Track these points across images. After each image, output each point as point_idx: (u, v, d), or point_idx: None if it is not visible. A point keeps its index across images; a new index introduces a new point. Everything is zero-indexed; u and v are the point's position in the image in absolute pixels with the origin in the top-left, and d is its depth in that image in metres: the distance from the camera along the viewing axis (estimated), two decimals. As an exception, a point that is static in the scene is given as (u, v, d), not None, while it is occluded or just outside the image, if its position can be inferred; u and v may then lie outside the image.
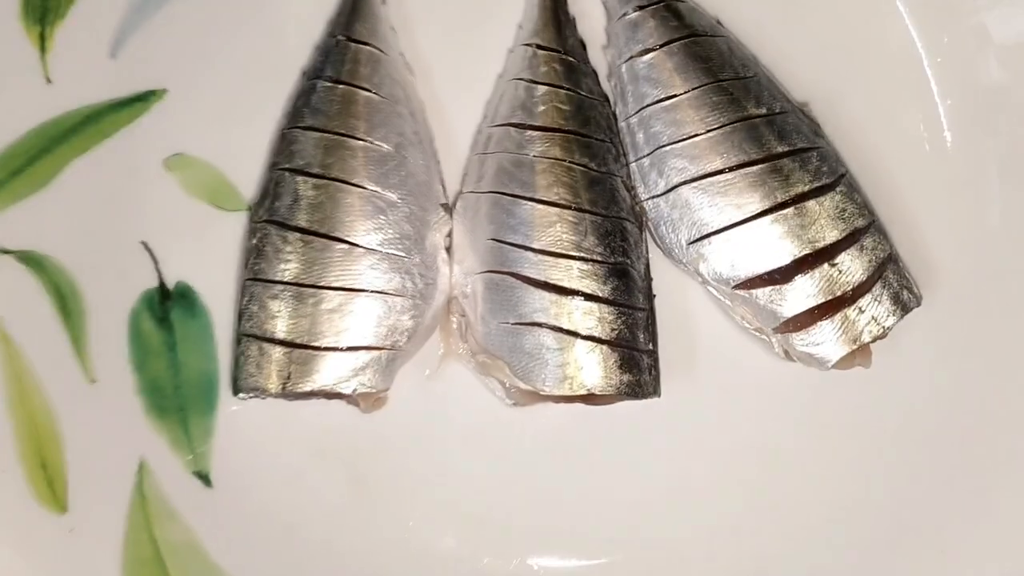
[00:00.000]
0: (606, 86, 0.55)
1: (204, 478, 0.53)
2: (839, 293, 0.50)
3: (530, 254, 0.50)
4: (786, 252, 0.50)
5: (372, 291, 0.51)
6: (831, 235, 0.50)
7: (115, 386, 0.52)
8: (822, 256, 0.50)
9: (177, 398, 0.54)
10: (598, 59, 0.55)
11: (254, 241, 0.52)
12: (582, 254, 0.50)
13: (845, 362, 0.51)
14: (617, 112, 0.54)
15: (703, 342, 0.54)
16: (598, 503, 0.54)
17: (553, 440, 0.54)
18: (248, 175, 0.54)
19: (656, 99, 0.52)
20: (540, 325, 0.50)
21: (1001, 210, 0.53)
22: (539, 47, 0.54)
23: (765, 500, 0.54)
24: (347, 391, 0.51)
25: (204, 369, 0.54)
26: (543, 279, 0.50)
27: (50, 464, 0.50)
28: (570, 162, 0.51)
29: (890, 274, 0.51)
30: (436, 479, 0.54)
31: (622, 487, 0.54)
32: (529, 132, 0.52)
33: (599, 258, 0.50)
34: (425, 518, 0.54)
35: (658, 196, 0.52)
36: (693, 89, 0.52)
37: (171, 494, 0.52)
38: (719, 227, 0.51)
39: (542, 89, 0.53)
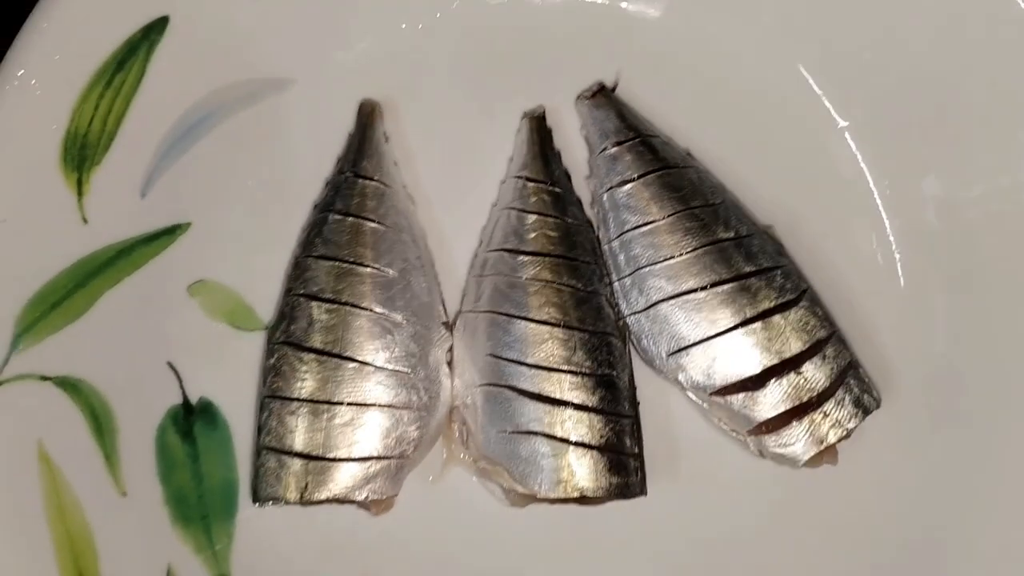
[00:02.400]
0: (590, 213, 0.59)
1: (226, 582, 0.57)
2: (805, 399, 0.54)
3: (525, 368, 0.55)
4: (756, 362, 0.55)
5: (381, 405, 0.55)
6: (796, 346, 0.55)
7: (144, 498, 0.56)
8: (789, 365, 0.55)
9: (200, 507, 0.57)
10: (582, 189, 0.59)
11: (272, 361, 0.56)
12: (572, 367, 0.54)
13: (814, 461, 0.55)
14: (600, 236, 0.58)
15: (684, 444, 0.58)
16: (593, 596, 0.58)
17: (549, 539, 0.58)
18: (264, 298, 0.58)
19: (635, 225, 0.57)
20: (535, 433, 0.54)
21: (946, 317, 0.58)
22: (528, 179, 0.58)
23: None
24: (359, 498, 0.54)
25: (225, 478, 0.58)
26: (537, 391, 0.54)
27: (86, 573, 0.53)
28: (559, 284, 0.56)
29: (851, 380, 0.55)
30: (442, 576, 0.58)
31: (615, 580, 0.58)
32: (521, 256, 0.56)
33: (587, 371, 0.55)
34: (432, 614, 0.58)
35: (639, 312, 0.57)
36: (668, 216, 0.56)
37: (196, 598, 0.56)
38: (695, 340, 0.55)
39: (532, 217, 0.57)
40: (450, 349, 0.58)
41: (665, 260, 0.56)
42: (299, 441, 0.54)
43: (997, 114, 0.55)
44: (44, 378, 0.54)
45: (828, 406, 0.55)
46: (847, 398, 0.55)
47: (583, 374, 0.55)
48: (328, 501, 0.54)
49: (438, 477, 0.58)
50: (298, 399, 0.55)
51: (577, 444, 0.54)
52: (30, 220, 0.54)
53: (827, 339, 0.55)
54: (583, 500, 0.54)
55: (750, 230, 0.57)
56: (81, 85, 0.54)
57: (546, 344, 0.55)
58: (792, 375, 0.55)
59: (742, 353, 0.55)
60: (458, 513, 0.58)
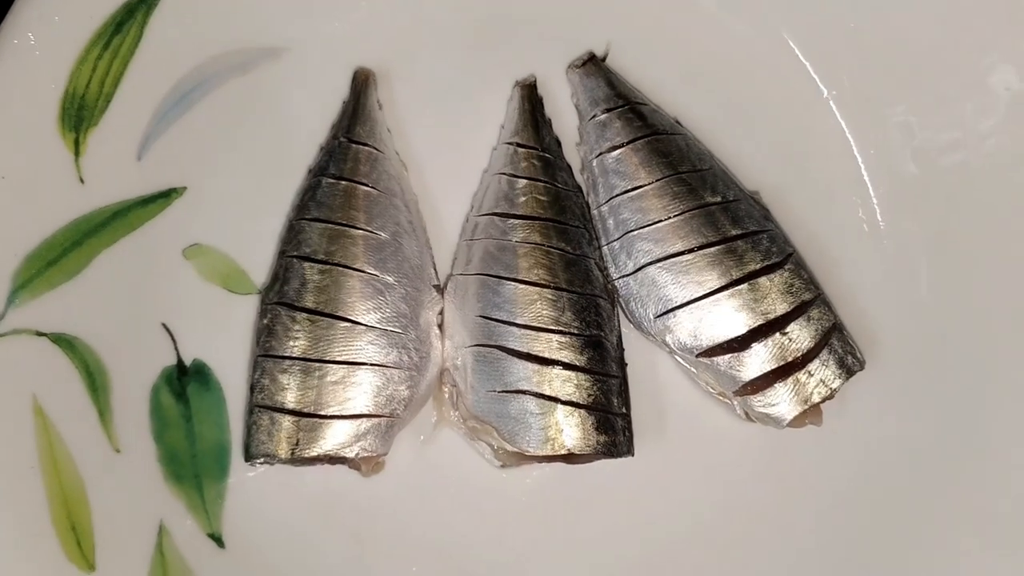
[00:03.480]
0: (580, 178, 0.60)
1: (217, 539, 0.58)
2: (790, 359, 0.55)
3: (514, 328, 0.55)
4: (742, 323, 0.56)
5: (372, 364, 0.55)
6: (781, 307, 0.56)
7: (137, 455, 0.57)
8: (774, 326, 0.55)
9: (193, 466, 0.58)
10: (572, 155, 0.60)
11: (265, 321, 0.57)
12: (561, 328, 0.55)
13: (798, 421, 0.56)
14: (590, 201, 0.59)
15: (671, 406, 0.59)
16: (580, 554, 0.59)
17: (538, 498, 0.59)
18: (258, 262, 0.59)
19: (624, 190, 0.58)
20: (524, 392, 0.55)
21: (928, 282, 0.59)
22: (519, 145, 0.59)
23: (729, 546, 0.59)
24: (350, 455, 0.55)
25: (217, 439, 0.59)
26: (526, 351, 0.55)
27: (79, 527, 0.54)
28: (548, 247, 0.57)
29: (835, 341, 0.56)
30: (431, 537, 0.59)
31: (602, 539, 0.59)
32: (511, 220, 0.57)
33: (576, 331, 0.55)
34: (421, 573, 0.58)
35: (627, 275, 0.57)
36: (656, 181, 0.57)
37: (188, 554, 0.57)
38: (682, 302, 0.56)
39: (522, 182, 0.58)
40: (441, 311, 0.58)
41: (653, 224, 0.57)
42: (291, 399, 0.55)
43: (981, 79, 0.56)
44: (40, 334, 0.55)
45: (812, 366, 0.55)
46: (831, 359, 0.56)
47: (571, 334, 0.55)
48: (319, 459, 0.55)
49: (428, 438, 0.59)
50: (290, 357, 0.56)
51: (565, 403, 0.55)
52: (28, 178, 0.54)
53: (812, 301, 0.56)
54: (571, 458, 0.55)
55: (737, 195, 0.58)
56: (79, 47, 0.55)
57: (535, 304, 0.56)
58: (777, 336, 0.55)
59: (728, 314, 0.56)
60: (448, 474, 0.59)
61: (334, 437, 0.55)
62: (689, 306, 0.56)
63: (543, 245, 0.57)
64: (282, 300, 0.57)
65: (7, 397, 0.54)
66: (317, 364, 0.55)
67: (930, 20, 0.57)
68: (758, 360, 0.56)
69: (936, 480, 0.57)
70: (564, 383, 0.55)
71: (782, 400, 0.56)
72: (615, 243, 0.58)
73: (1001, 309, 0.57)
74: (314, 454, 0.55)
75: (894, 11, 0.57)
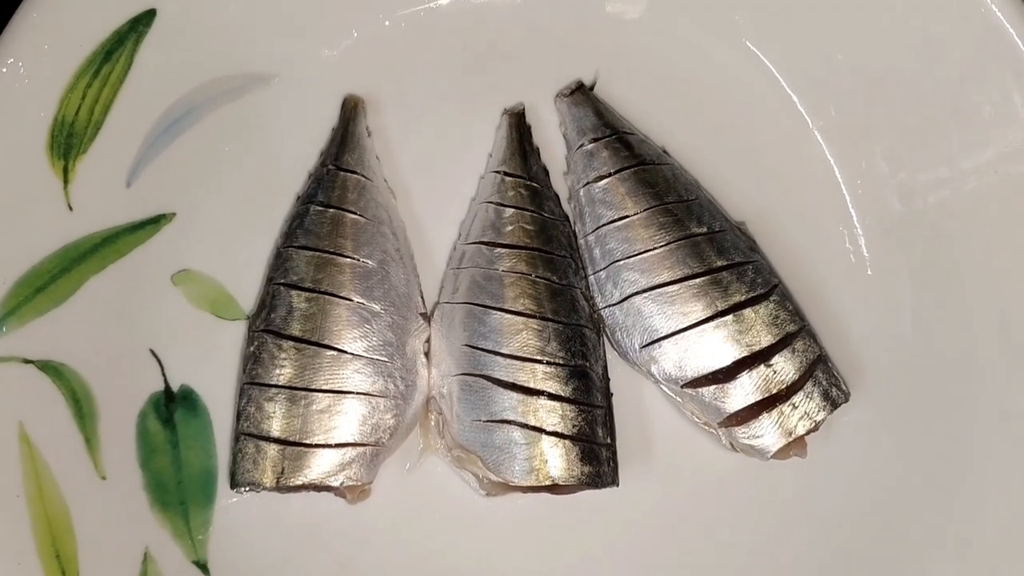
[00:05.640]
0: (567, 208, 0.60)
1: (203, 567, 0.58)
2: (775, 391, 0.55)
3: (500, 358, 0.56)
4: (727, 354, 0.56)
5: (358, 393, 0.55)
6: (766, 339, 0.56)
7: (123, 482, 0.57)
8: (759, 358, 0.56)
9: (179, 492, 0.58)
10: (559, 184, 0.61)
11: (252, 348, 0.57)
12: (546, 358, 0.55)
13: (782, 453, 0.56)
14: (576, 231, 0.59)
15: (657, 436, 0.59)
16: (564, 585, 0.59)
17: (523, 528, 0.59)
18: (247, 288, 0.59)
19: (611, 219, 0.58)
20: (509, 422, 0.55)
21: (913, 314, 0.59)
22: (507, 174, 0.59)
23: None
24: (335, 484, 0.55)
25: (204, 465, 0.59)
26: (511, 380, 0.55)
27: (64, 554, 0.54)
28: (535, 276, 0.57)
29: (820, 373, 0.56)
30: (416, 565, 0.59)
31: (587, 569, 0.59)
32: (498, 249, 0.57)
33: (561, 361, 0.56)
34: (406, 602, 0.58)
35: (613, 305, 0.58)
36: (643, 211, 0.57)
37: (173, 581, 0.57)
38: (668, 332, 0.56)
39: (510, 211, 0.58)
40: (427, 340, 0.58)
41: (639, 254, 0.57)
42: (276, 427, 0.55)
43: (967, 115, 0.56)
44: (27, 361, 0.55)
45: (797, 398, 0.56)
46: (816, 391, 0.56)
47: (557, 364, 0.56)
48: (304, 487, 0.55)
49: (414, 466, 0.59)
50: (276, 385, 0.56)
51: (550, 433, 0.55)
52: (16, 205, 0.55)
53: (797, 333, 0.56)
54: (555, 489, 0.55)
55: (723, 226, 0.58)
56: (69, 74, 0.55)
57: (521, 335, 0.56)
58: (762, 367, 0.56)
59: (713, 346, 0.56)
60: (433, 502, 0.59)
61: (319, 466, 0.55)
62: (674, 337, 0.56)
63: (529, 275, 0.57)
64: (269, 328, 0.57)
65: (-7, 425, 0.54)
66: (303, 392, 0.55)
67: (917, 55, 0.57)
68: (743, 391, 0.56)
69: (920, 511, 0.57)
70: (549, 413, 0.55)
71: (767, 432, 0.56)
72: (601, 273, 0.58)
73: (984, 342, 0.57)
74: (299, 483, 0.55)
75: (881, 45, 0.57)
